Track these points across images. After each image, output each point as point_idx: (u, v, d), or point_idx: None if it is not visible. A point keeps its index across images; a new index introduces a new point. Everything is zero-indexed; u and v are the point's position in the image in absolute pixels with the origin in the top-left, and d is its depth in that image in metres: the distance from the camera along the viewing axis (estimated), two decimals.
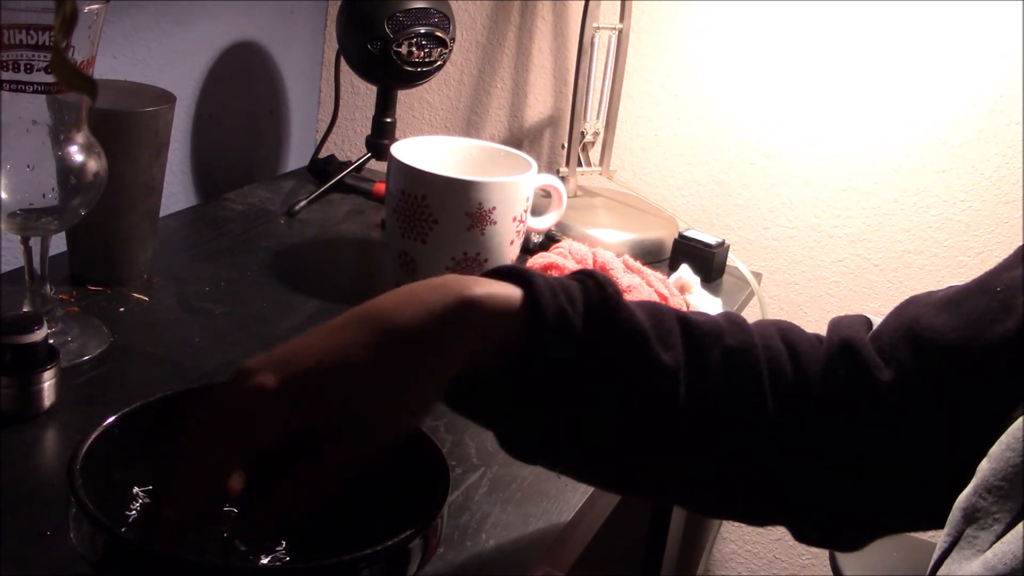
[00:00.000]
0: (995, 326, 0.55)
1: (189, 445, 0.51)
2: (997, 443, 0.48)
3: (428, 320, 0.53)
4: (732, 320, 0.61)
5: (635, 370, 0.56)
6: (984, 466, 0.48)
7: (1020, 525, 0.44)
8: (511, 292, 0.55)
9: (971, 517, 0.47)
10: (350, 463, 0.52)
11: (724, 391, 0.57)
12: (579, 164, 1.25)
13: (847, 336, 0.60)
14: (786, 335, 0.61)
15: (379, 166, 1.19)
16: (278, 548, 0.58)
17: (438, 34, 1.15)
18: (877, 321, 0.62)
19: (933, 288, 0.61)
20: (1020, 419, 0.48)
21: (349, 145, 1.47)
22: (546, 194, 1.05)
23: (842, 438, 0.58)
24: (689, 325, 0.59)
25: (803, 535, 0.62)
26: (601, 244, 1.12)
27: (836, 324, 0.62)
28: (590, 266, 1.02)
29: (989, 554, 0.45)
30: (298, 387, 0.51)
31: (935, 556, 0.49)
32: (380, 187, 1.24)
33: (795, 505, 0.60)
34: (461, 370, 0.54)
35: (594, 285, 0.57)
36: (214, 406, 0.51)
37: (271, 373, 0.51)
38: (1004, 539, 0.44)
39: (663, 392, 0.56)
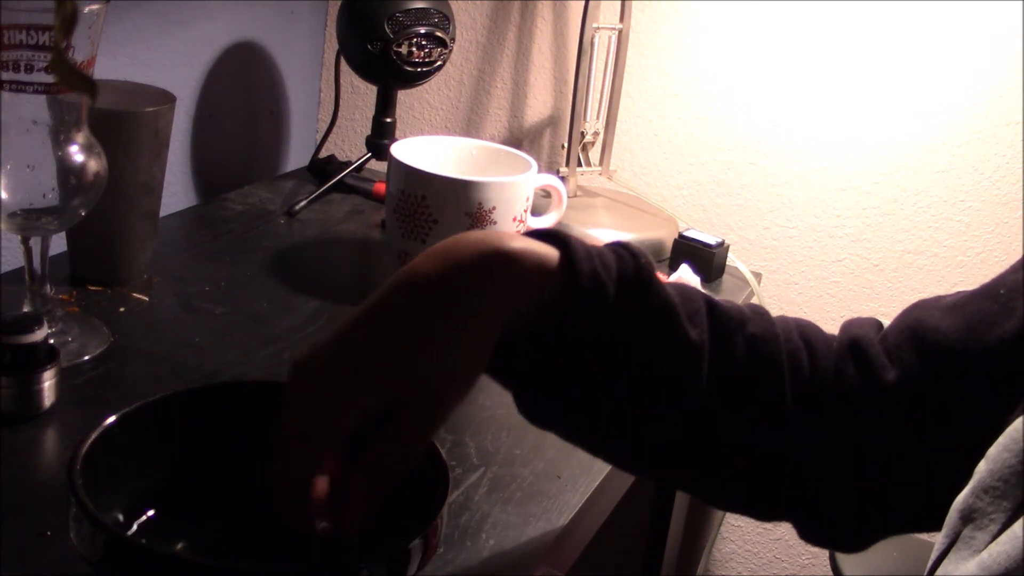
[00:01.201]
0: (995, 328, 0.55)
1: (282, 458, 0.52)
2: (995, 444, 0.48)
3: (464, 278, 0.53)
4: (756, 310, 0.61)
5: (662, 343, 0.56)
6: (981, 467, 0.48)
7: (1015, 525, 0.44)
8: (548, 251, 0.55)
9: (968, 518, 0.47)
10: (415, 438, 0.53)
11: (746, 377, 0.58)
12: (579, 164, 1.25)
13: (857, 335, 0.60)
14: (804, 331, 0.61)
15: (379, 166, 1.19)
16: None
17: (438, 34, 1.15)
18: (887, 323, 0.62)
19: (932, 288, 0.62)
20: (1017, 420, 0.48)
21: (349, 145, 1.47)
22: (546, 194, 1.05)
23: (849, 435, 0.58)
24: (716, 308, 0.59)
25: (808, 534, 0.62)
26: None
27: (847, 324, 0.63)
28: None
29: (984, 554, 0.45)
30: (354, 373, 0.51)
31: (933, 557, 0.49)
32: (380, 187, 1.24)
33: (802, 502, 0.60)
34: (503, 326, 0.54)
35: (629, 255, 0.57)
36: (288, 411, 0.52)
37: (324, 365, 0.52)
38: (999, 539, 0.45)
39: (687, 369, 0.56)
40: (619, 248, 0.58)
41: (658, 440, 0.59)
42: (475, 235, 0.55)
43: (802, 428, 0.58)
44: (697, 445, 0.59)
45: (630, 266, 0.57)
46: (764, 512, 0.63)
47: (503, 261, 0.54)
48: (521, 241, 0.55)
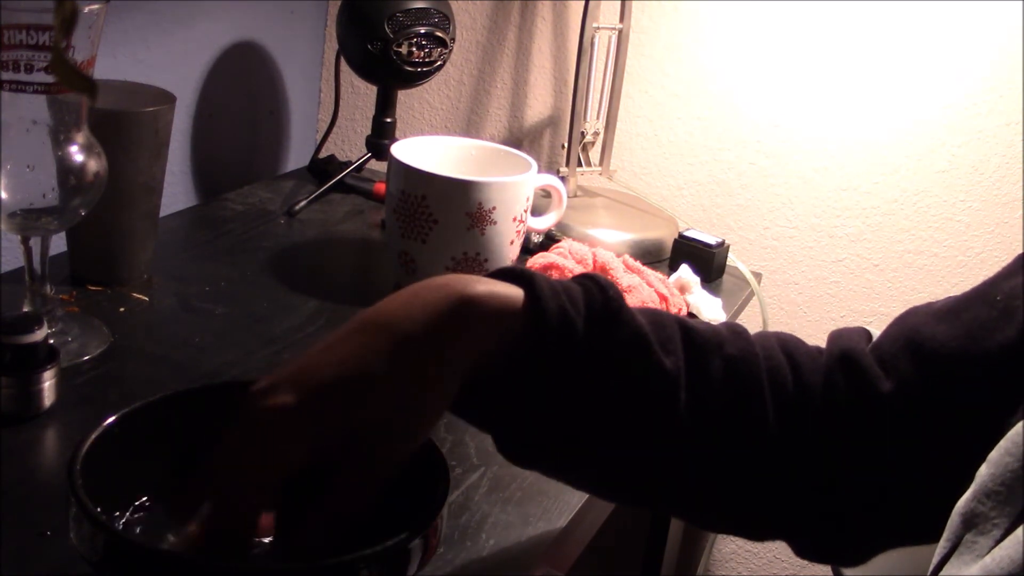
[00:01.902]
0: (995, 334, 0.55)
1: (219, 475, 0.51)
2: (996, 448, 0.48)
3: (432, 321, 0.53)
4: (733, 329, 0.60)
5: (636, 374, 0.56)
6: (983, 471, 0.48)
7: (1018, 530, 0.44)
8: (513, 292, 0.55)
9: (970, 522, 0.47)
10: (375, 476, 0.52)
11: (725, 399, 0.57)
12: (579, 164, 1.25)
13: (847, 347, 0.59)
14: (786, 346, 0.60)
15: (379, 166, 1.19)
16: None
17: (438, 34, 1.15)
18: (876, 333, 0.62)
19: (932, 288, 0.61)
20: (1020, 424, 0.48)
21: (349, 145, 1.47)
22: (546, 194, 1.05)
23: (842, 449, 0.57)
24: (690, 332, 0.58)
25: (803, 551, 0.61)
26: (601, 244, 1.12)
27: (836, 336, 0.62)
28: (590, 266, 1.02)
29: (988, 559, 0.44)
30: (318, 403, 0.51)
31: (934, 561, 0.49)
32: (380, 187, 1.24)
33: (795, 520, 0.60)
34: (469, 370, 0.54)
35: (596, 288, 0.57)
36: (238, 432, 0.51)
37: (289, 391, 0.51)
38: (1002, 544, 0.44)
39: (663, 397, 0.56)
40: (586, 281, 0.57)
41: (641, 470, 0.58)
42: (440, 280, 0.55)
43: (789, 445, 0.57)
44: (680, 472, 0.58)
45: (598, 299, 0.56)
46: (755, 532, 0.63)
47: (468, 306, 0.53)
48: (485, 284, 0.54)
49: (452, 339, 0.53)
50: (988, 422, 0.52)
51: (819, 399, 0.58)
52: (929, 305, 0.60)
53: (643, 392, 0.56)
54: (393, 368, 0.52)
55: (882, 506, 0.58)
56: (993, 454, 0.48)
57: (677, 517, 0.66)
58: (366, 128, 1.28)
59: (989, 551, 0.45)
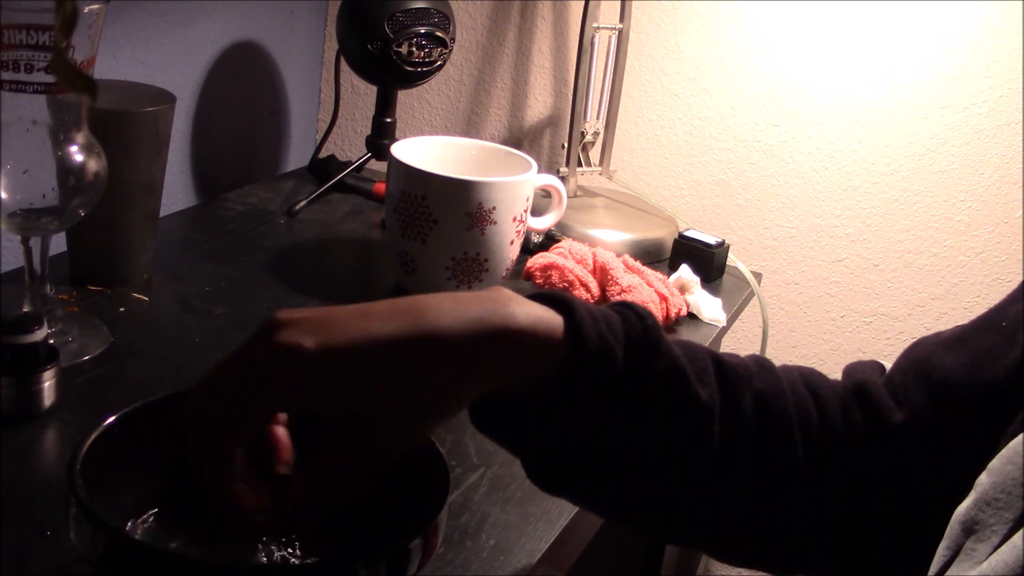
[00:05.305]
0: (1000, 359, 0.55)
1: (208, 397, 0.49)
2: (998, 457, 0.48)
3: (471, 337, 0.51)
4: (760, 363, 0.60)
5: (673, 405, 0.55)
6: (984, 480, 0.48)
7: (1016, 535, 0.44)
8: (554, 319, 0.54)
9: (970, 530, 0.47)
10: (364, 460, 0.51)
11: (756, 433, 0.57)
12: (579, 164, 1.25)
13: (860, 379, 0.60)
14: (808, 381, 0.60)
15: (379, 166, 1.19)
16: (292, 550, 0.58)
17: (438, 34, 1.15)
18: (889, 366, 0.62)
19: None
20: (1022, 435, 0.48)
21: (349, 145, 1.47)
22: (546, 194, 1.05)
23: (860, 481, 0.57)
24: (722, 365, 0.58)
25: None
26: (601, 244, 1.12)
27: (850, 369, 0.62)
28: (590, 266, 1.02)
29: (984, 565, 0.44)
30: (333, 361, 0.49)
31: (934, 569, 0.49)
32: (380, 187, 1.24)
33: (818, 554, 0.60)
34: (493, 391, 0.53)
35: (635, 317, 0.56)
36: (241, 355, 0.49)
37: (310, 335, 0.48)
38: (1000, 549, 0.44)
39: (698, 428, 0.56)
40: (624, 309, 0.57)
41: (670, 502, 0.58)
42: (488, 299, 0.53)
43: (816, 479, 0.58)
44: (710, 505, 0.58)
45: (637, 328, 0.55)
46: (779, 566, 0.62)
47: (508, 336, 0.52)
48: (528, 313, 0.53)
49: (485, 362, 0.52)
50: (997, 444, 0.52)
51: (839, 433, 0.58)
52: (938, 335, 0.61)
53: (679, 423, 0.56)
54: (418, 365, 0.50)
55: (901, 534, 0.57)
56: (994, 463, 0.48)
57: (701, 550, 0.66)
58: (366, 128, 1.28)
59: (987, 557, 0.45)
